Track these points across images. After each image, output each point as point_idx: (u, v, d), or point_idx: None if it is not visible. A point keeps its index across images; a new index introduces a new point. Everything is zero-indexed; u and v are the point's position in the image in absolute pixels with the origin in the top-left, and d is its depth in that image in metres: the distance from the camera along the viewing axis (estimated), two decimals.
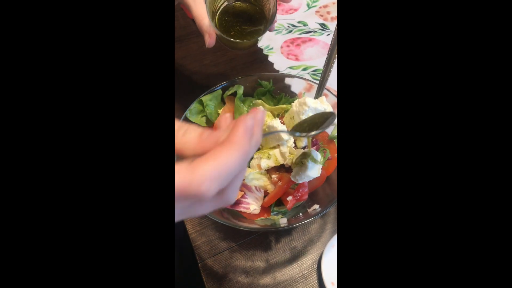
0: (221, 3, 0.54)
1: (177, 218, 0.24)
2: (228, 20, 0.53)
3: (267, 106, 0.60)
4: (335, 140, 0.55)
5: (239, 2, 0.55)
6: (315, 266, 0.54)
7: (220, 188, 0.21)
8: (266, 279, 0.53)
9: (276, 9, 0.50)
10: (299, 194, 0.50)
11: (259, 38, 0.53)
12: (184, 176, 0.21)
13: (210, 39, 0.54)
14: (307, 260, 0.55)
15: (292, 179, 0.49)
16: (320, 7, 0.97)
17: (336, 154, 0.54)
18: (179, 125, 0.24)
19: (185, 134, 0.23)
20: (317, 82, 0.58)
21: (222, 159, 0.21)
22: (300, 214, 0.52)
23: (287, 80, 0.64)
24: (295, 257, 0.55)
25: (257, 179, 0.51)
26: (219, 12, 0.54)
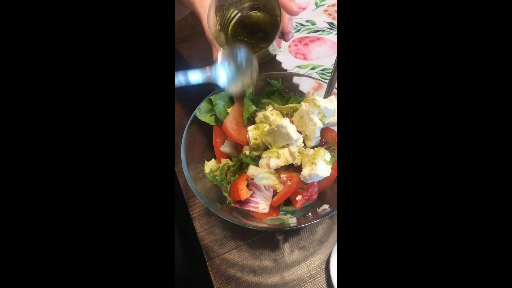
0: (233, 13, 0.52)
1: None
2: (239, 32, 0.52)
3: (276, 105, 0.60)
4: None
5: (255, 12, 0.53)
6: (324, 266, 0.54)
7: None
8: (274, 279, 0.53)
9: (280, 21, 0.48)
10: (309, 194, 0.50)
11: (270, 51, 0.51)
12: None
13: (217, 52, 0.52)
14: (316, 260, 0.55)
15: (302, 179, 0.49)
16: (328, 6, 0.97)
17: None
18: None
19: None
20: (326, 81, 0.58)
21: None
22: (310, 214, 0.51)
23: (295, 80, 0.64)
24: (303, 257, 0.55)
25: (266, 179, 0.51)
26: (233, 22, 0.52)
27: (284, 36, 0.51)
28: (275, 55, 0.55)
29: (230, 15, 0.53)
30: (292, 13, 0.49)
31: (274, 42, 0.51)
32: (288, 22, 0.50)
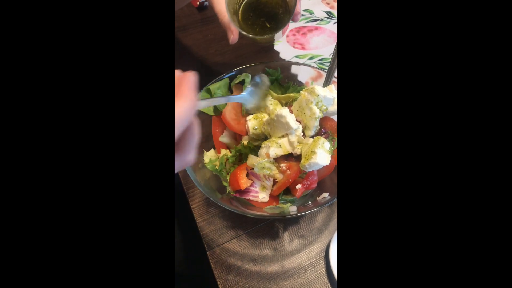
0: None
1: None
2: (251, 15, 0.52)
3: (274, 95, 0.59)
4: None
5: None
6: (323, 254, 0.54)
7: (176, 137, 0.24)
8: (274, 267, 0.54)
9: (289, 4, 0.48)
10: (308, 183, 0.50)
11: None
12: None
13: (233, 35, 0.52)
14: (315, 248, 0.55)
15: (301, 168, 0.49)
16: None
17: None
18: None
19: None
20: (325, 71, 0.58)
21: (176, 108, 0.24)
22: (309, 202, 0.52)
23: (294, 69, 0.64)
24: (302, 245, 0.55)
25: (266, 168, 0.51)
26: (242, 5, 0.52)
27: (294, 16, 0.51)
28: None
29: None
30: None
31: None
32: (297, 1, 0.49)
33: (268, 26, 0.52)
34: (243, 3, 0.52)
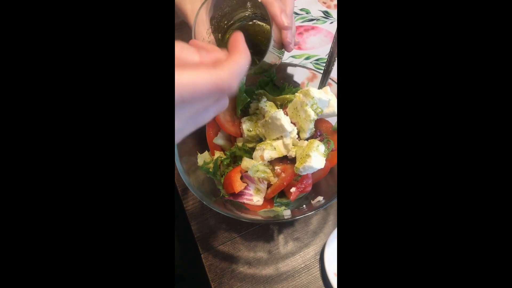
0: (227, 24, 0.48)
1: (184, 128, 0.27)
2: None
3: (270, 96, 0.59)
4: None
5: (254, 22, 0.48)
6: (318, 257, 0.54)
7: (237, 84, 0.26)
8: (269, 270, 0.53)
9: (271, 33, 0.42)
10: (303, 186, 0.50)
11: (270, 61, 0.46)
12: (215, 74, 0.24)
13: None
14: (310, 251, 0.55)
15: (296, 171, 0.48)
16: None
17: None
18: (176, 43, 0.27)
19: (182, 51, 0.26)
20: (321, 71, 0.57)
21: (239, 61, 0.26)
22: (304, 205, 0.51)
23: (290, 70, 0.63)
24: (297, 248, 0.55)
25: (260, 171, 0.51)
26: (227, 35, 0.48)
27: (284, 47, 0.46)
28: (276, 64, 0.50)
29: (224, 26, 0.48)
30: (282, 27, 0.43)
31: (274, 53, 0.46)
32: (287, 32, 0.44)
33: (257, 62, 0.46)
34: (228, 33, 0.47)
